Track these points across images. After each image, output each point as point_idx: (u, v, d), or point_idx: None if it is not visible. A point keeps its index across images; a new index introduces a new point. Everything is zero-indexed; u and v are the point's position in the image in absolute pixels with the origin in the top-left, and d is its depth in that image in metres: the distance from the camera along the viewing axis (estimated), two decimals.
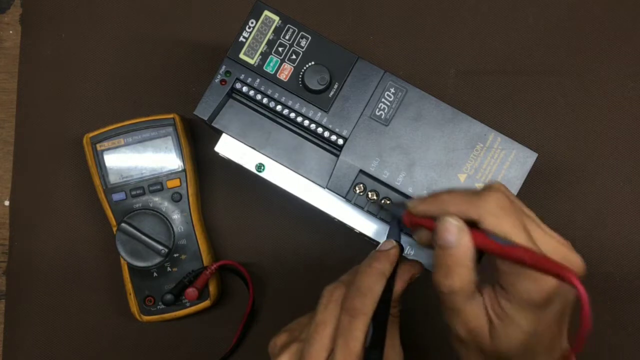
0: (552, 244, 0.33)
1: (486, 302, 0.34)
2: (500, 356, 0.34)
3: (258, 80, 0.42)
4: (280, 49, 0.42)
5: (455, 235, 0.32)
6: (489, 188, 0.34)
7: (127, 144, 0.48)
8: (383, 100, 0.41)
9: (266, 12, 0.42)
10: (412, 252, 0.42)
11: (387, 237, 0.39)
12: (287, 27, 0.42)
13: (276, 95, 0.42)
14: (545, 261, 0.29)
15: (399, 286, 0.36)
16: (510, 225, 0.32)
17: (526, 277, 0.32)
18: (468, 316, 0.33)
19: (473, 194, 0.34)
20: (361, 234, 0.43)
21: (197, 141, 0.52)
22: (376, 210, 0.41)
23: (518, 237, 0.32)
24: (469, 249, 0.32)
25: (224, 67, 0.42)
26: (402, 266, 0.37)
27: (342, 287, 0.36)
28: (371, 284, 0.34)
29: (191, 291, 0.47)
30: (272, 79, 0.42)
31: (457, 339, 0.35)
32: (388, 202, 0.41)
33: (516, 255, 0.30)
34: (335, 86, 0.41)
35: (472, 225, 0.33)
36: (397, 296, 0.37)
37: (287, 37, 0.42)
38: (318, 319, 0.35)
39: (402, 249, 0.38)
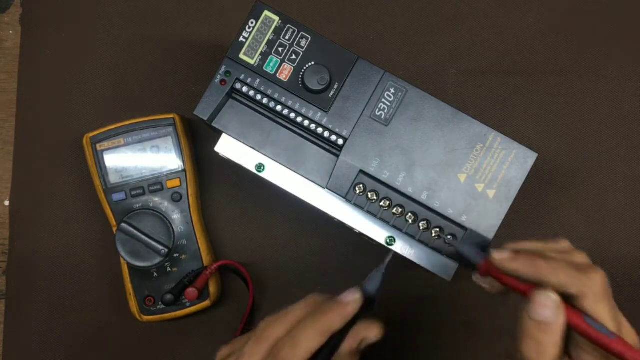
0: (630, 335, 0.33)
1: None
2: None
3: (258, 80, 0.42)
4: (280, 49, 0.42)
5: (553, 313, 0.31)
6: (592, 267, 0.32)
7: (127, 144, 0.48)
8: (383, 100, 0.41)
9: (266, 12, 0.42)
10: (413, 252, 0.42)
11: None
12: (287, 27, 0.42)
13: (276, 96, 0.42)
14: None
15: (347, 345, 0.34)
16: (607, 311, 0.31)
17: (596, 357, 0.32)
18: None
19: (577, 268, 0.32)
20: (361, 234, 0.43)
21: (197, 141, 0.52)
22: (376, 210, 0.41)
23: (611, 325, 0.31)
24: (563, 327, 0.31)
25: (224, 67, 0.42)
26: (360, 325, 0.34)
27: (278, 325, 0.35)
28: (308, 338, 0.33)
29: (191, 291, 0.47)
30: (272, 79, 0.42)
31: None
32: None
33: (615, 349, 0.30)
34: (335, 86, 0.41)
35: (566, 299, 0.32)
36: (345, 354, 0.34)
37: (287, 37, 0.42)
38: (247, 350, 0.34)
39: (371, 304, 0.35)
